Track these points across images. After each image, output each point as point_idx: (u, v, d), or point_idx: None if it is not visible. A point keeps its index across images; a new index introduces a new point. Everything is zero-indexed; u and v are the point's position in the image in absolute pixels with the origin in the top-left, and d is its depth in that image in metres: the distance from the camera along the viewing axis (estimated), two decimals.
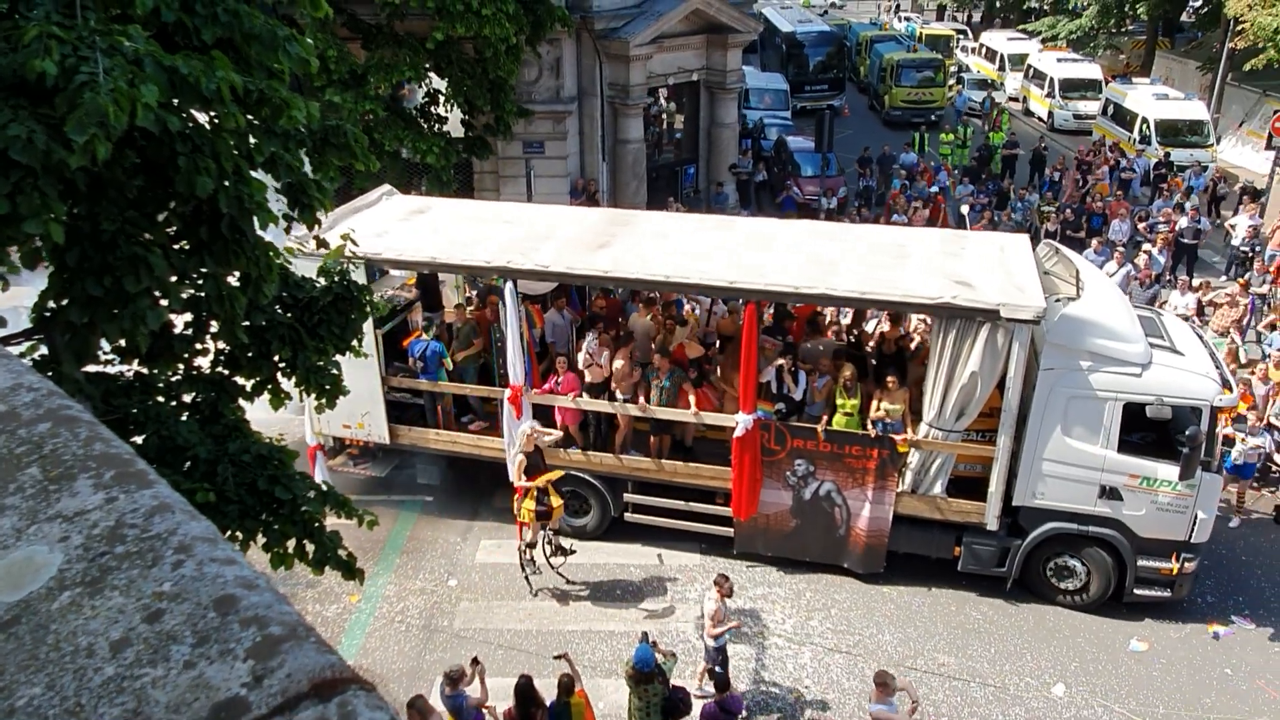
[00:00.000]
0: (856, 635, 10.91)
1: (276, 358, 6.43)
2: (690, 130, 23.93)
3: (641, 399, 11.40)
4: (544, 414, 11.89)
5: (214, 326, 5.91)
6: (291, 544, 6.13)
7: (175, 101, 4.49)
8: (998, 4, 50.02)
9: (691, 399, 11.28)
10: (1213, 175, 23.98)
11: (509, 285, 11.05)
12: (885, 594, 11.46)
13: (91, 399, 5.43)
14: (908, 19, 54.23)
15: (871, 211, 22.91)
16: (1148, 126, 26.43)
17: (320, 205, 5.84)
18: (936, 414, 10.43)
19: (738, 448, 10.87)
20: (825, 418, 11.12)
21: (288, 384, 6.67)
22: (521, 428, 11.12)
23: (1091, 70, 33.69)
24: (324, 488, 6.47)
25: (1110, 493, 10.48)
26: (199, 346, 6.15)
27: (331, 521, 6.57)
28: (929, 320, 11.97)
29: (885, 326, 12.83)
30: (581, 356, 11.73)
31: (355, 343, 7.04)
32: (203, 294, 5.42)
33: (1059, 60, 34.55)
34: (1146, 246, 18.42)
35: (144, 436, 5.61)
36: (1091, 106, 31.29)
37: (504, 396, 11.58)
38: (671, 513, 11.96)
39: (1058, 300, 10.44)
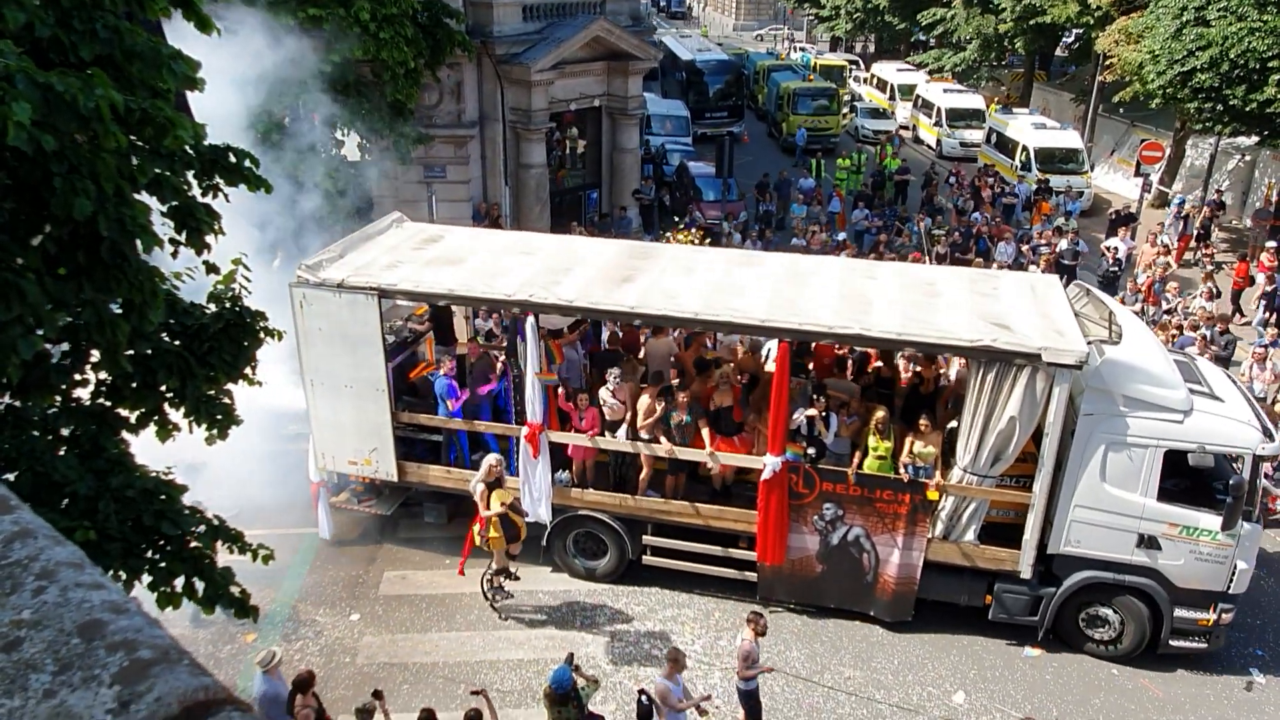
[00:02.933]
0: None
1: (163, 388, 6.16)
2: (593, 155, 24.11)
3: (663, 439, 11.00)
4: (560, 451, 11.52)
5: (95, 356, 5.64)
6: (180, 582, 5.86)
7: (50, 120, 4.29)
8: (885, 36, 52.00)
9: (706, 436, 10.92)
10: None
11: (530, 320, 10.69)
12: (792, 610, 11.61)
13: None
14: (803, 50, 55.92)
15: (773, 235, 23.43)
16: (1028, 154, 27.85)
17: (208, 229, 5.64)
18: (971, 459, 10.16)
19: (764, 490, 10.61)
20: (856, 460, 10.79)
21: (176, 414, 6.40)
22: (487, 459, 10.77)
23: (975, 100, 35.34)
24: (215, 521, 6.20)
25: (1149, 541, 10.26)
26: (78, 377, 5.84)
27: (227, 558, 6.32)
28: (956, 361, 11.82)
29: (916, 366, 12.41)
30: (605, 395, 11.25)
31: (249, 371, 6.79)
32: (81, 322, 5.16)
33: (945, 91, 36.12)
34: (1031, 267, 19.34)
35: (17, 474, 5.29)
36: (976, 135, 32.80)
37: (521, 434, 11.16)
38: (692, 556, 11.58)
39: (1091, 343, 10.13)
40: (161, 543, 5.75)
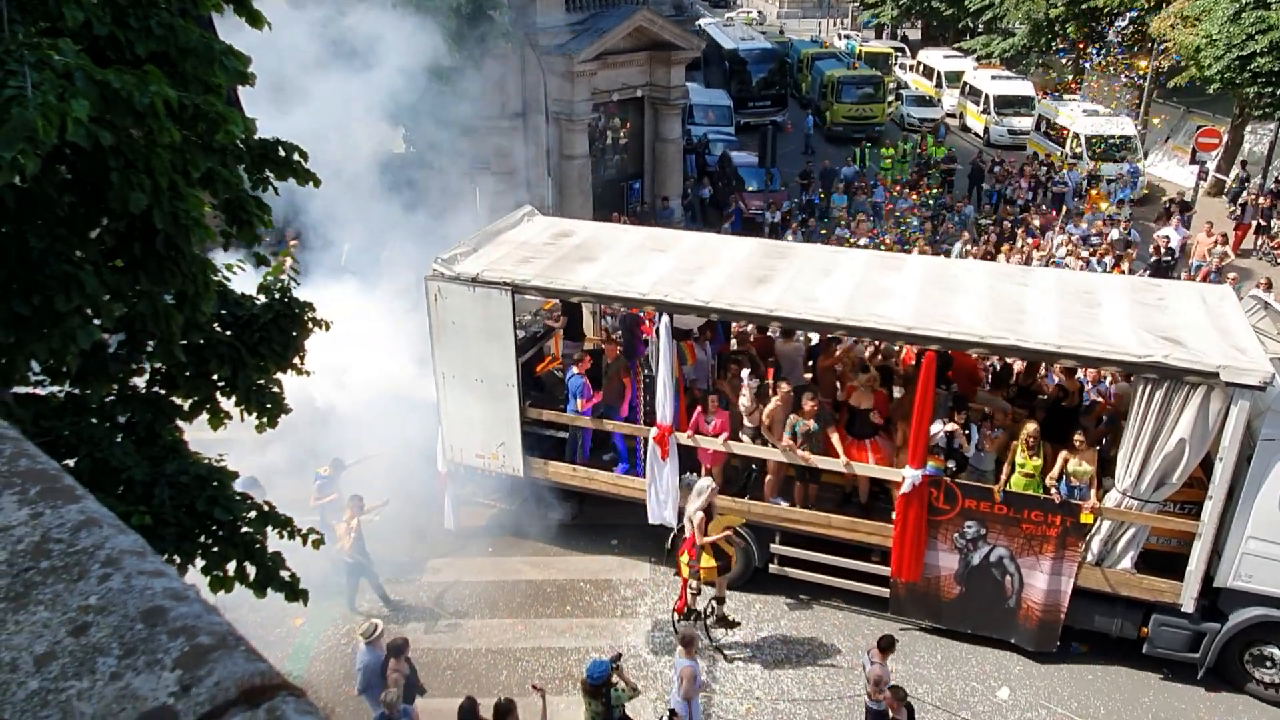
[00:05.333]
0: (806, 646, 11.00)
1: (215, 376, 6.31)
2: (635, 146, 24.11)
3: (790, 442, 10.67)
4: (689, 454, 11.31)
5: (150, 346, 5.79)
6: (232, 566, 6.00)
7: (107, 116, 4.41)
8: (934, 23, 51.22)
9: (836, 442, 10.63)
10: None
11: (664, 319, 10.58)
12: (832, 604, 11.57)
13: (21, 421, 5.28)
14: (847, 37, 55.28)
15: (816, 224, 23.24)
16: (1079, 142, 27.28)
17: (259, 221, 5.76)
18: (1134, 482, 9.58)
19: (902, 504, 10.28)
20: (1003, 478, 10.30)
21: (227, 403, 6.55)
22: (701, 483, 10.43)
23: (1024, 87, 34.68)
24: (265, 507, 6.33)
25: None
26: (134, 366, 6.01)
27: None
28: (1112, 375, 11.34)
29: (1060, 378, 11.95)
30: (744, 401, 11.02)
31: (297, 360, 6.92)
32: (137, 312, 5.30)
33: (993, 78, 35.50)
34: (1083, 254, 18.99)
35: (76, 459, 5.46)
36: (1025, 122, 32.20)
37: (649, 435, 11.11)
38: (821, 567, 11.27)
39: (1275, 360, 9.36)
40: (214, 527, 5.89)
